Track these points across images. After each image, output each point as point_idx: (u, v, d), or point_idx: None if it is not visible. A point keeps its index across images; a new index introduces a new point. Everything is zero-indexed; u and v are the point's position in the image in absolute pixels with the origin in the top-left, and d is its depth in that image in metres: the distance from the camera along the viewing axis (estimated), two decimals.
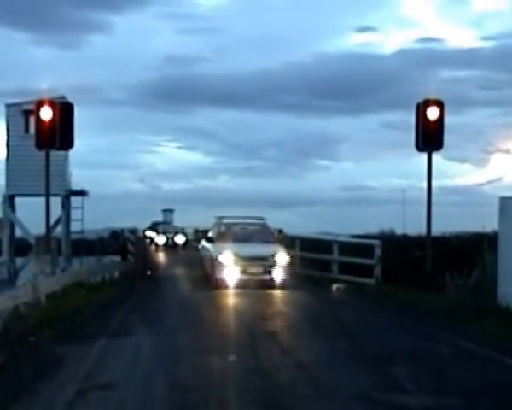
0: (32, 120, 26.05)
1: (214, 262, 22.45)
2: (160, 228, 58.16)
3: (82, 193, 33.44)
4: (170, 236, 55.93)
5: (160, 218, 66.13)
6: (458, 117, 79.19)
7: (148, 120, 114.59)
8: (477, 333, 14.23)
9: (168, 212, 68.70)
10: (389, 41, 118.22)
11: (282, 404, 8.99)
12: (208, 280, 23.17)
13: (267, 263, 22.14)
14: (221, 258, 22.19)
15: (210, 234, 24.91)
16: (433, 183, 22.10)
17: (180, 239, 55.73)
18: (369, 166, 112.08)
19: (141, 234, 43.80)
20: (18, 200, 33.72)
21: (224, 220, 24.72)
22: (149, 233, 58.66)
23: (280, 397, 9.25)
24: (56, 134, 22.54)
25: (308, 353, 12.26)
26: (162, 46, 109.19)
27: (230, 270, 21.98)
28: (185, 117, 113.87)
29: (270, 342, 13.15)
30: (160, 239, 55.37)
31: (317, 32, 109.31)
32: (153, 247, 53.00)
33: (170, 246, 53.85)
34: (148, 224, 62.08)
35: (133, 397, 9.34)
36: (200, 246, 26.16)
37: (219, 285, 21.79)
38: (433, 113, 21.66)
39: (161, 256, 45.07)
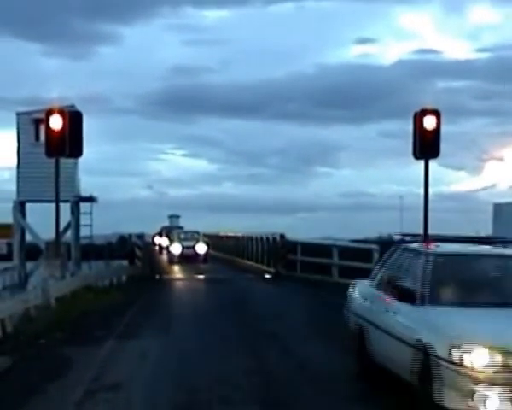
0: (42, 128, 26.35)
1: (442, 369, 8.10)
2: (175, 234, 46.90)
3: (91, 199, 33.86)
4: (186, 243, 43.74)
5: (166, 223, 66.22)
6: (454, 126, 79.66)
7: (154, 129, 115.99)
8: None
9: (174, 217, 68.82)
10: (388, 52, 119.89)
11: None
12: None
13: None
14: (476, 362, 7.91)
15: (397, 279, 10.23)
16: (430, 189, 22.44)
17: (201, 248, 43.98)
18: (369, 174, 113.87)
19: (150, 240, 43.06)
20: (28, 206, 34.18)
21: (442, 249, 10.54)
22: (158, 240, 56.96)
23: None
24: (66, 142, 22.87)
25: None
26: (169, 57, 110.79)
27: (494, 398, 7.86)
28: (190, 126, 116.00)
29: None
30: (176, 248, 43.80)
31: (318, 43, 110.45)
32: (164, 257, 46.79)
33: (186, 257, 42.32)
34: (156, 229, 60.65)
35: (140, 398, 9.70)
36: (352, 294, 11.76)
37: None
38: (429, 122, 22.04)
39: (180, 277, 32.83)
